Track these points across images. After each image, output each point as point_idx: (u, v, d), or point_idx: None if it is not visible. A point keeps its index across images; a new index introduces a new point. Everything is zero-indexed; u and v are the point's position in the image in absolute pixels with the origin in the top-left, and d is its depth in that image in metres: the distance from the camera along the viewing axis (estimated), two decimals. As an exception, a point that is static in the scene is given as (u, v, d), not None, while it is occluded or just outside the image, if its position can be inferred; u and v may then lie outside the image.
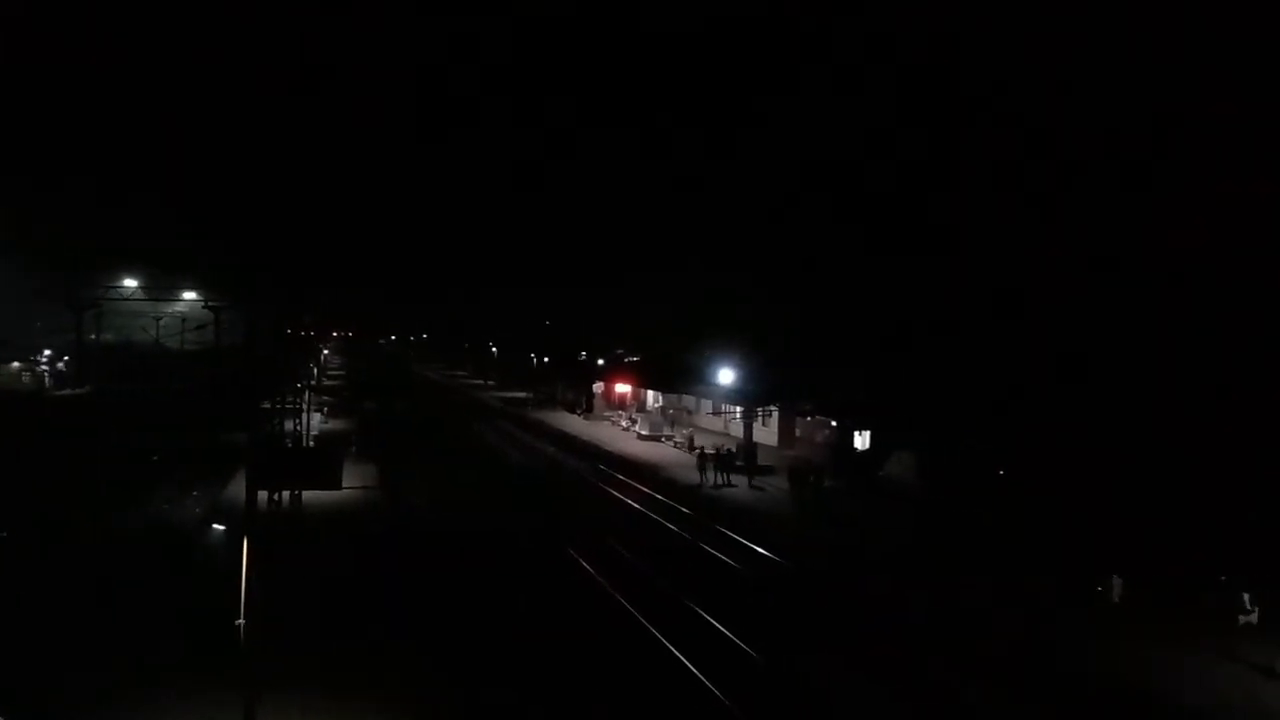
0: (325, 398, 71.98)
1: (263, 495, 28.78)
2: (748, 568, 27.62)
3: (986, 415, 32.75)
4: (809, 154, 43.93)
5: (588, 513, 35.20)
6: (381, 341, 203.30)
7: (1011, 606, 23.56)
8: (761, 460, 44.17)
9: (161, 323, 79.23)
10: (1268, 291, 26.10)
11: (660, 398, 66.24)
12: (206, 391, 65.17)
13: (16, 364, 79.27)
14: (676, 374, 58.43)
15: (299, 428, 41.14)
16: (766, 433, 51.25)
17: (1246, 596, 22.05)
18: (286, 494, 31.53)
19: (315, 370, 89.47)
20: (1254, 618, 21.93)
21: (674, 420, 59.63)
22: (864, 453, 41.98)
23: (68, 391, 72.99)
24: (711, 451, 42.45)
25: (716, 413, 57.93)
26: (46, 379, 79.74)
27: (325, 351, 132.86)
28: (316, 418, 54.04)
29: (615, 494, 39.30)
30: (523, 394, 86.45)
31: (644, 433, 56.71)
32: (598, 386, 70.18)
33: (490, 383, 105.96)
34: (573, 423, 66.12)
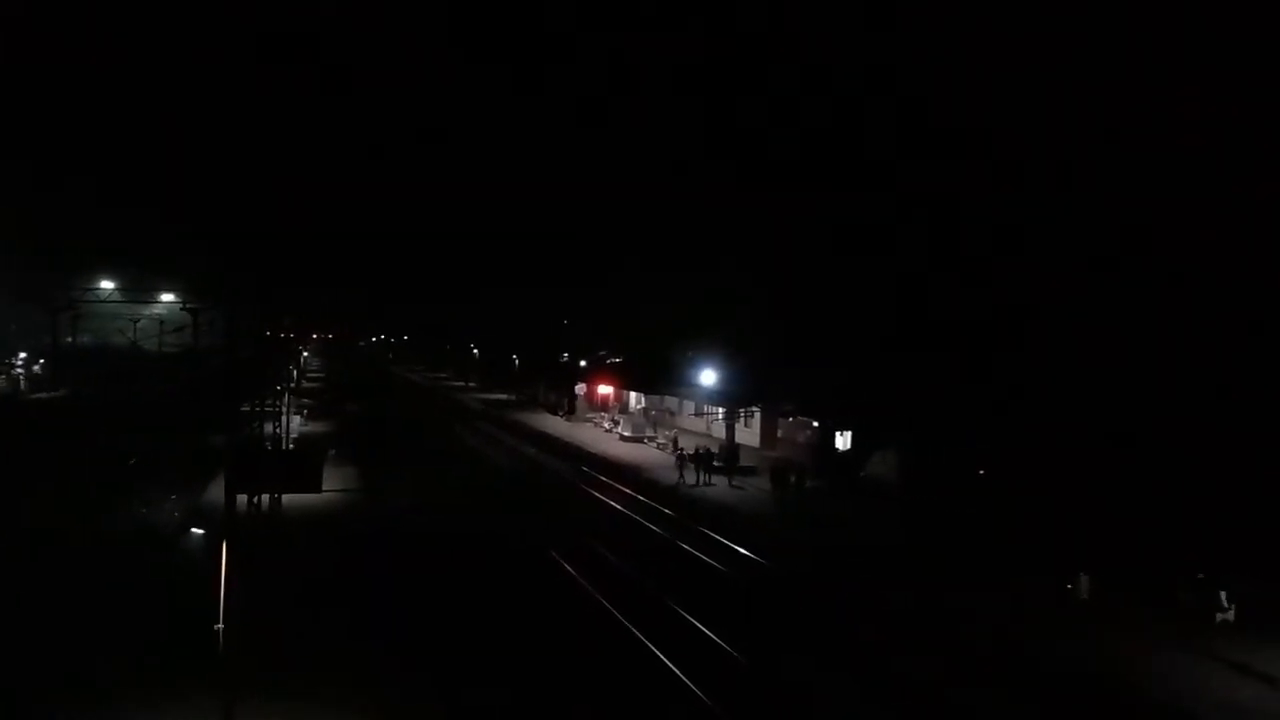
0: (305, 400, 71.55)
1: (242, 499, 28.53)
2: (729, 568, 27.66)
3: (968, 416, 32.91)
4: (786, 154, 43.99)
5: (570, 515, 35.11)
6: (362, 344, 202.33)
7: (986, 604, 23.73)
8: (744, 461, 44.27)
9: (139, 325, 78.47)
10: (1249, 290, 26.36)
11: (643, 399, 66.23)
12: (184, 394, 64.65)
13: (-9, 367, 78.49)
14: (659, 375, 58.47)
15: (279, 430, 40.85)
16: (749, 433, 51.34)
17: (1223, 594, 22.27)
18: (266, 497, 31.30)
19: (295, 372, 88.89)
20: (1230, 615, 22.15)
21: (656, 422, 59.65)
22: (845, 453, 42.12)
23: (43, 395, 72.22)
24: (690, 451, 42.61)
25: (699, 414, 57.96)
26: (22, 382, 78.90)
27: (305, 354, 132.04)
28: (297, 420, 53.70)
29: (598, 495, 39.25)
30: (505, 396, 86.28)
31: (627, 434, 56.67)
32: (580, 388, 70.05)
33: (472, 384, 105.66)
34: (555, 424, 66.01)
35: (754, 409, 51.22)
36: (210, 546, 21.40)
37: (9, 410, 60.48)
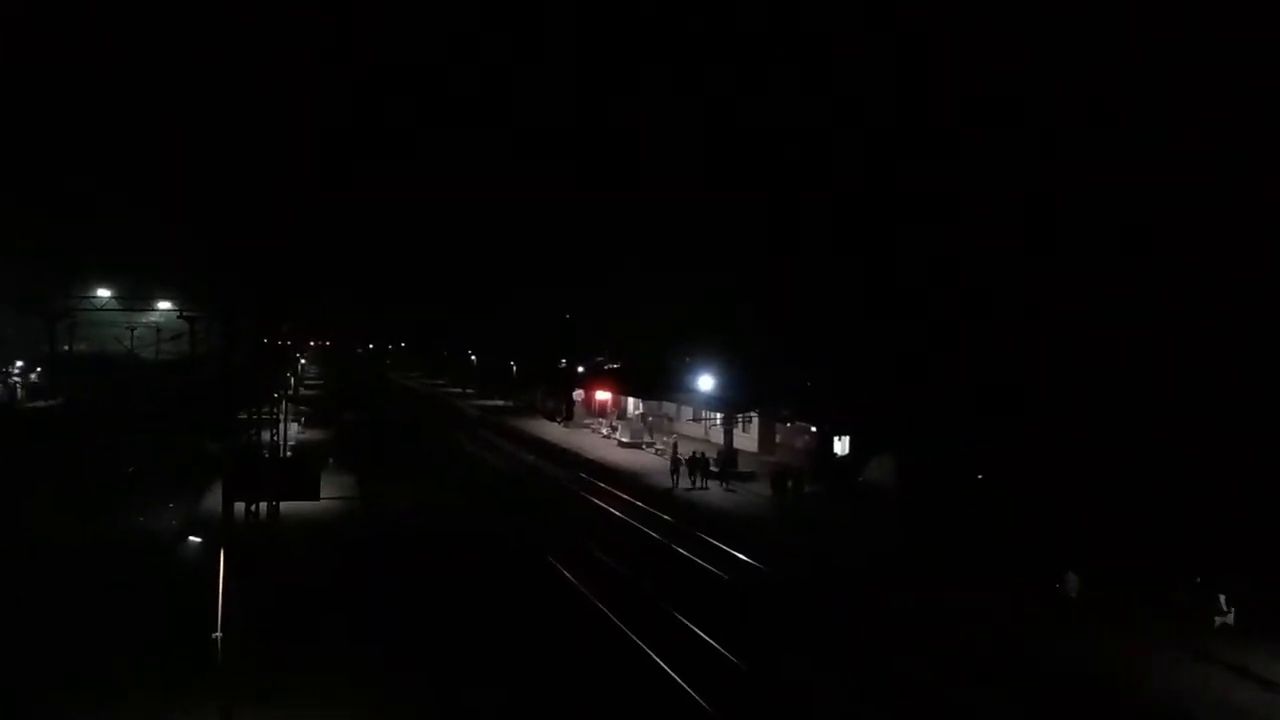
0: (303, 407, 71.47)
1: (240, 506, 28.47)
2: (726, 572, 27.65)
3: (966, 420, 32.95)
4: (786, 153, 44.08)
5: (567, 520, 35.08)
6: (360, 350, 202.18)
7: (980, 604, 23.81)
8: (743, 466, 44.28)
9: (136, 333, 78.36)
10: (1247, 289, 26.42)
11: (641, 405, 66.20)
12: (181, 402, 64.53)
13: (-13, 375, 78.35)
14: (657, 381, 58.48)
15: (276, 438, 40.79)
16: (747, 438, 51.33)
17: (1223, 597, 22.26)
18: (264, 505, 31.22)
19: (292, 380, 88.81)
20: (1230, 618, 22.13)
21: (654, 428, 59.62)
22: (844, 458, 42.14)
23: (40, 403, 72.06)
24: (684, 456, 42.68)
25: (697, 419, 57.98)
26: (18, 390, 78.76)
27: (303, 360, 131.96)
28: (294, 427, 53.63)
29: (595, 501, 39.22)
30: (502, 402, 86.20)
31: (624, 440, 56.64)
32: (578, 394, 70.04)
33: (470, 391, 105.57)
34: (553, 431, 65.97)
35: (752, 414, 51.24)
36: (208, 554, 21.37)
37: (6, 419, 60.34)
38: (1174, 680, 19.07)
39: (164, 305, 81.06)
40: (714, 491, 40.53)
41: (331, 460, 45.26)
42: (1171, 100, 28.31)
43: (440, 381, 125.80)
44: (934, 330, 35.34)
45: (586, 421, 67.49)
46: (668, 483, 41.86)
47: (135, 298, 78.72)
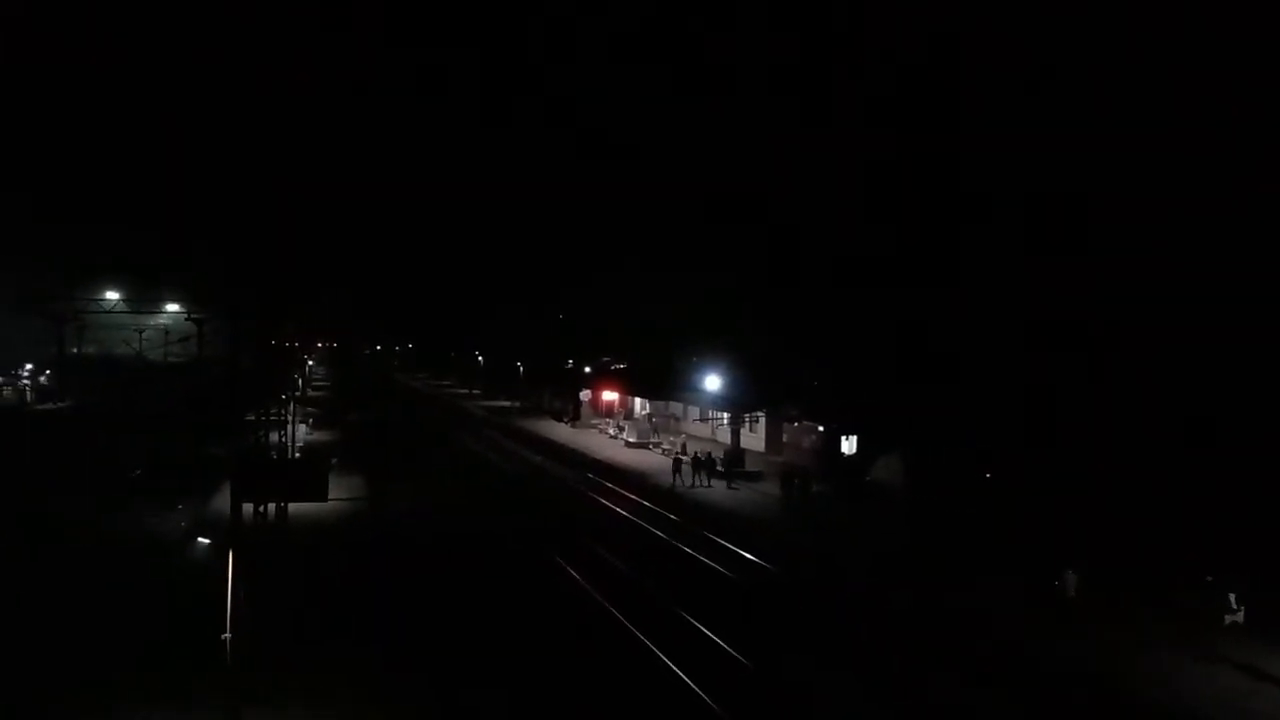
0: (310, 409, 71.62)
1: (248, 508, 28.56)
2: (732, 571, 27.66)
3: (974, 419, 32.86)
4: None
5: (575, 521, 35.11)
6: (367, 352, 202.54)
7: (980, 603, 23.80)
8: (750, 466, 44.25)
9: (144, 335, 78.65)
10: (1252, 294, 26.31)
11: (648, 405, 66.19)
12: (190, 404, 64.72)
13: (-2, 378, 78.64)
14: (663, 381, 58.49)
15: (284, 439, 40.91)
16: (754, 438, 51.30)
17: (1233, 596, 22.14)
18: (272, 506, 31.30)
19: (300, 381, 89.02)
20: (1240, 617, 22.02)
21: (661, 428, 59.61)
22: (851, 457, 42.06)
23: (50, 405, 72.35)
24: (686, 456, 42.71)
25: (704, 419, 57.94)
26: (28, 393, 79.10)
27: (310, 362, 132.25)
28: (302, 429, 53.75)
29: (603, 501, 39.24)
30: (509, 403, 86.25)
31: (631, 440, 56.63)
32: (584, 394, 70.07)
33: (476, 392, 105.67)
34: (560, 431, 66.00)
35: (759, 414, 51.21)
36: (216, 555, 21.42)
37: (15, 421, 60.59)
38: (1180, 681, 18.97)
39: (172, 307, 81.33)
40: (718, 490, 40.58)
41: (335, 460, 45.28)
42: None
43: (447, 382, 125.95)
44: (938, 330, 35.25)
45: (593, 422, 67.50)
46: (673, 482, 41.93)
47: (143, 300, 79.02)
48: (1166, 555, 24.86)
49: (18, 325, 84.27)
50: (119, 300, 78.49)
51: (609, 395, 69.85)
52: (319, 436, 58.59)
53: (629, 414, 67.00)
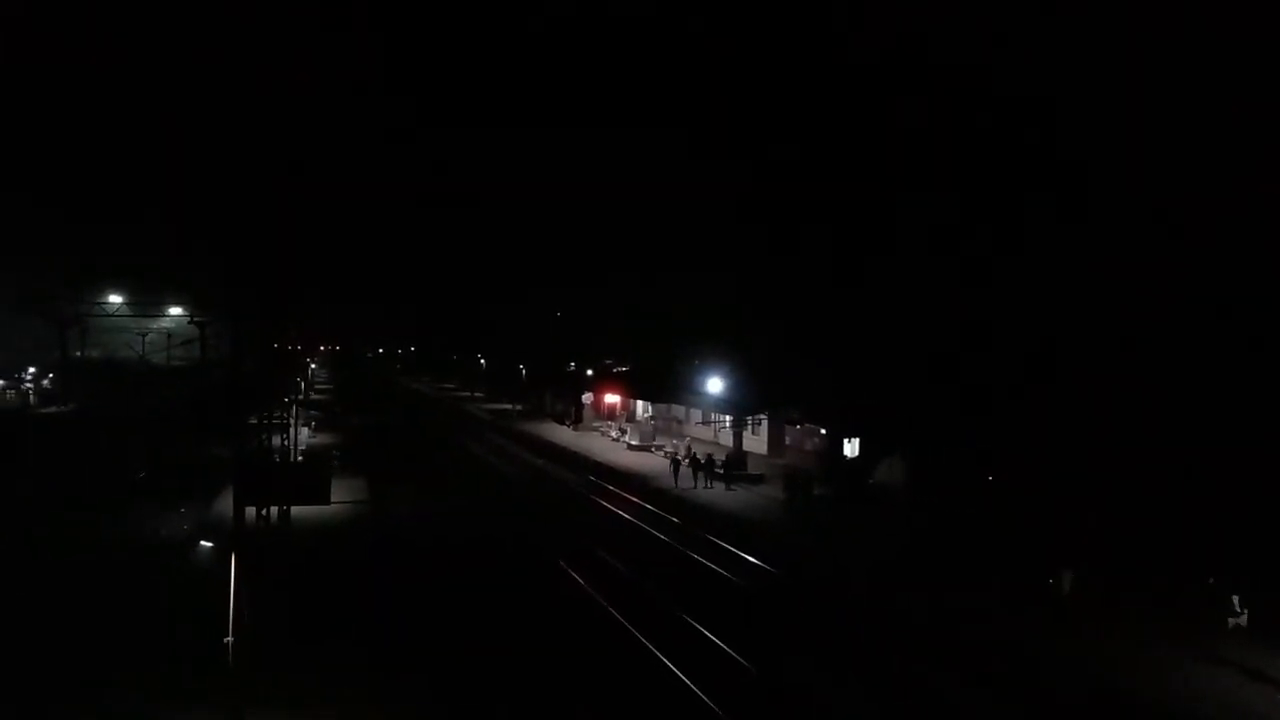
0: (313, 412, 71.68)
1: (250, 510, 28.56)
2: (734, 574, 27.66)
3: (976, 420, 32.83)
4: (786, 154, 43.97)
5: (577, 523, 35.12)
6: (370, 355, 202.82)
7: (978, 606, 23.79)
8: (752, 468, 44.24)
9: (147, 338, 78.74)
10: (1257, 287, 26.28)
11: (650, 408, 66.17)
12: (192, 407, 64.82)
13: (1, 381, 78.74)
14: (665, 384, 58.51)
15: (286, 442, 40.89)
16: (756, 441, 51.29)
17: (1236, 599, 22.11)
18: (275, 509, 31.31)
19: (303, 384, 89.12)
20: (1244, 620, 21.98)
21: (663, 430, 59.62)
22: (853, 460, 42.04)
23: (53, 409, 72.45)
24: (685, 458, 42.68)
25: (706, 422, 57.95)
26: (31, 396, 79.22)
27: (313, 365, 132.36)
28: (304, 432, 53.78)
29: (605, 504, 39.25)
30: (511, 406, 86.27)
31: (634, 443, 56.65)
32: (587, 397, 70.08)
33: (478, 395, 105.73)
34: (562, 434, 66.01)
35: (761, 417, 51.22)
36: (219, 558, 21.45)
37: (18, 424, 60.69)
38: (1181, 681, 18.94)
39: (175, 310, 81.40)
40: (719, 492, 40.61)
41: (336, 462, 45.29)
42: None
43: (449, 385, 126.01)
44: (939, 331, 35.21)
45: (595, 424, 67.52)
46: (680, 485, 41.95)
47: (146, 303, 79.13)
48: (1169, 557, 24.81)
49: (21, 329, 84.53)
50: (122, 303, 78.67)
51: (611, 398, 69.88)
52: (321, 439, 58.63)
53: (631, 417, 66.99)
